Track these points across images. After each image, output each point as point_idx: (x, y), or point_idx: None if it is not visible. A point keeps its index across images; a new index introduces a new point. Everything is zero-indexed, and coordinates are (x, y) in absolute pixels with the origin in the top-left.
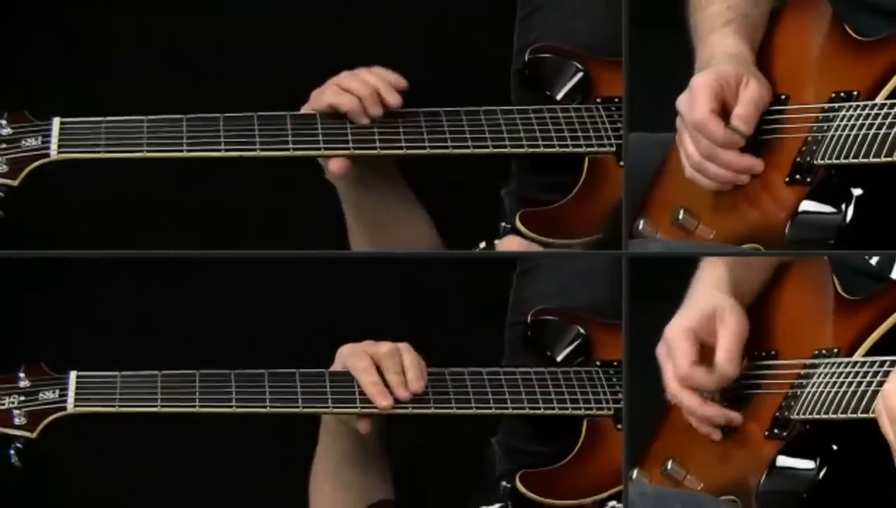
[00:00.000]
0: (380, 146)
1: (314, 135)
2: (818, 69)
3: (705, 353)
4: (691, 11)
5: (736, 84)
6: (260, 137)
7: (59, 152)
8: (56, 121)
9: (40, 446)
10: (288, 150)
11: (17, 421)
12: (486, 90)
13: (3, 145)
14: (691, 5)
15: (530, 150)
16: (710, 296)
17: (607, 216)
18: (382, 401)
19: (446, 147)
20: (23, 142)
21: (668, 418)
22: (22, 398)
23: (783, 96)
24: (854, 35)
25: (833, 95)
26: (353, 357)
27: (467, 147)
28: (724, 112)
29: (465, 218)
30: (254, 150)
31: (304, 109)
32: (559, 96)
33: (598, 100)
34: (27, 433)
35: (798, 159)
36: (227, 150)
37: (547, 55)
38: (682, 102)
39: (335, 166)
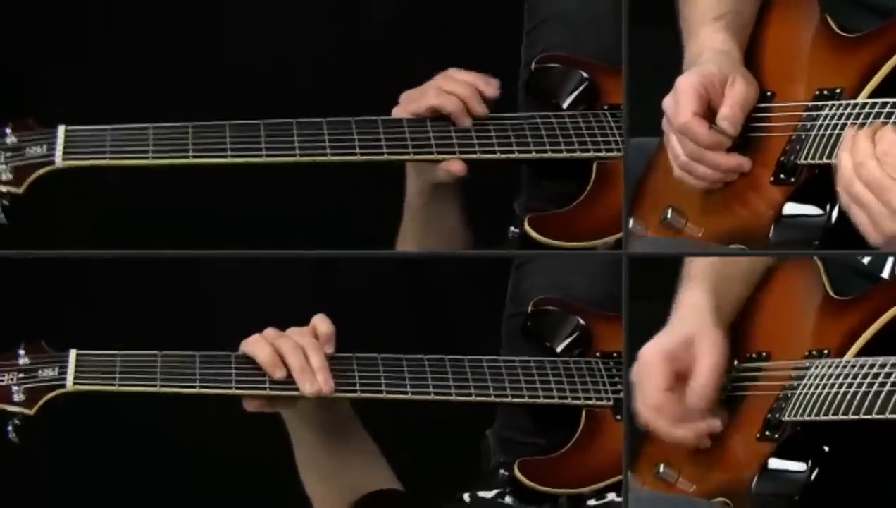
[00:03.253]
0: (387, 152)
1: (321, 141)
2: (804, 66)
3: (680, 378)
4: (680, 4)
5: (721, 84)
6: (266, 143)
7: (63, 160)
8: (61, 129)
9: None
10: (294, 156)
11: (15, 398)
12: (493, 103)
13: (8, 154)
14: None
15: (537, 155)
16: (691, 321)
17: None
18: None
19: (453, 151)
20: (27, 150)
21: None
22: (21, 375)
23: (769, 93)
24: (838, 31)
25: (817, 92)
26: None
27: (474, 152)
28: (711, 112)
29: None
30: (260, 156)
31: (397, 113)
32: (565, 105)
33: (606, 107)
34: (25, 410)
35: (782, 159)
36: (233, 156)
37: (552, 64)
38: (667, 103)
39: (456, 167)
